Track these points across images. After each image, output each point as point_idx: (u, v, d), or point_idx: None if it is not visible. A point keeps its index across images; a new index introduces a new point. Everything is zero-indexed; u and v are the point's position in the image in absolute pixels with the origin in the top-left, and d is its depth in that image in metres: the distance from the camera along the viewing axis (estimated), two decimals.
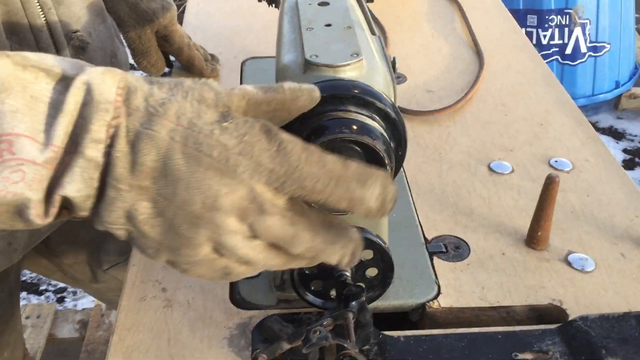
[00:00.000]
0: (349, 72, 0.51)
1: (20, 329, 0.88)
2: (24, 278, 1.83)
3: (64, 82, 0.38)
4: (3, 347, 0.81)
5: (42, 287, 1.97)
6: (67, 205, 0.39)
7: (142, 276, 0.64)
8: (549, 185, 0.64)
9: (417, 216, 0.71)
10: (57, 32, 0.71)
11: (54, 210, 0.38)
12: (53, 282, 1.97)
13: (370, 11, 1.12)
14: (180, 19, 1.12)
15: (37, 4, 0.68)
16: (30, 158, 0.36)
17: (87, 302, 1.88)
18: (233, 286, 0.63)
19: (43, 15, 0.69)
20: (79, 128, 0.37)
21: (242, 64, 1.01)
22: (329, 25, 0.56)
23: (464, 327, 0.60)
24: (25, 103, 0.37)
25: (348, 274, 0.56)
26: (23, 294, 1.81)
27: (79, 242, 0.91)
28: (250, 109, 0.42)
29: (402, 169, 0.78)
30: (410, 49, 1.06)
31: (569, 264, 0.65)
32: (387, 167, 0.49)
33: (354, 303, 0.53)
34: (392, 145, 0.51)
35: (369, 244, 0.55)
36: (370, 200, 0.42)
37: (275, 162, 0.39)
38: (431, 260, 0.66)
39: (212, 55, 0.99)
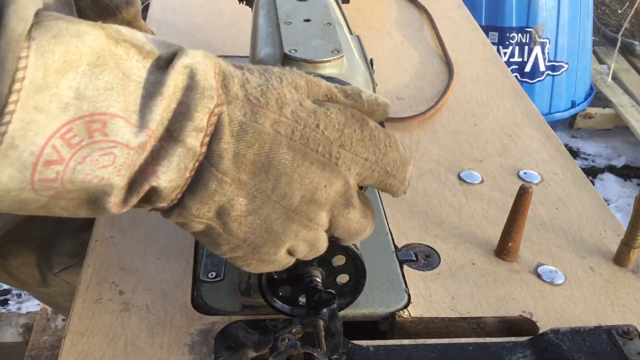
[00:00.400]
0: (329, 69, 0.49)
1: None
2: None
3: (156, 62, 0.35)
4: None
5: None
6: (150, 194, 0.36)
7: (98, 277, 0.60)
8: (522, 196, 0.63)
9: (388, 224, 0.70)
10: None
11: (134, 200, 0.35)
12: None
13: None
14: (145, 14, 1.09)
15: None
16: (125, 141, 0.33)
17: (31, 305, 1.81)
18: (195, 290, 0.60)
19: None
20: (179, 114, 0.35)
21: None
22: (308, 20, 0.54)
23: (434, 337, 0.59)
24: (119, 81, 0.34)
25: (319, 279, 0.54)
26: None
27: (28, 241, 0.87)
28: None
29: None
30: (380, 54, 1.05)
31: (539, 276, 0.64)
32: None
33: (324, 310, 0.51)
34: None
35: (342, 249, 0.53)
36: (407, 180, 0.44)
37: (369, 151, 0.40)
38: (401, 268, 0.64)
39: None
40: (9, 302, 1.86)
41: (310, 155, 0.38)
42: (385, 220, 0.70)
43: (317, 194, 0.39)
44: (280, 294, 0.55)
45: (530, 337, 0.57)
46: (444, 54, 1.05)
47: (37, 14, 0.33)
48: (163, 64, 0.36)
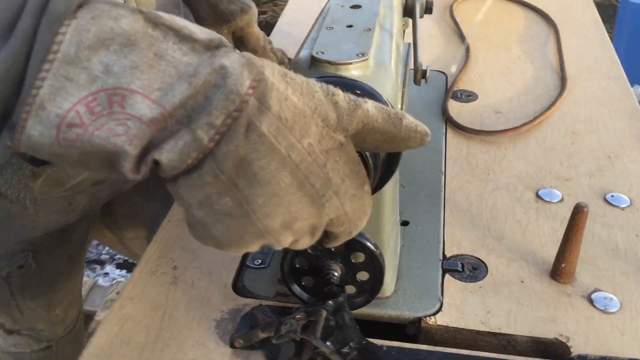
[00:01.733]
0: (353, 71, 0.51)
1: (78, 292, 0.94)
2: (121, 258, 1.95)
3: (192, 45, 0.38)
4: (55, 304, 0.87)
5: None
6: (154, 166, 0.39)
7: (160, 253, 0.67)
8: (576, 215, 0.60)
9: (443, 233, 0.69)
10: None
11: (145, 169, 0.39)
12: None
13: (457, 24, 1.11)
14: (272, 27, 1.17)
15: None
16: (139, 115, 0.36)
17: None
18: (238, 274, 0.65)
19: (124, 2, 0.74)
20: (199, 105, 0.37)
21: None
22: (350, 26, 0.57)
23: (461, 349, 0.57)
24: (147, 61, 0.37)
25: (337, 274, 0.56)
26: (118, 272, 1.93)
27: (140, 217, 0.97)
28: (363, 133, 0.42)
29: (442, 185, 0.76)
30: (491, 68, 1.03)
31: (591, 301, 0.60)
32: (371, 168, 0.48)
33: (330, 302, 0.53)
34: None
35: (360, 246, 0.54)
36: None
37: (352, 208, 0.42)
38: (443, 277, 0.64)
39: (290, 59, 1.02)
40: None
41: (306, 187, 0.40)
42: (442, 229, 0.70)
43: (295, 224, 0.41)
44: (304, 283, 0.58)
45: None
46: (560, 70, 1.00)
47: None
48: (199, 48, 0.38)
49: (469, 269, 0.65)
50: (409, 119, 0.43)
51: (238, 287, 0.63)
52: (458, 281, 0.63)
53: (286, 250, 0.56)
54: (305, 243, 0.44)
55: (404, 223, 0.71)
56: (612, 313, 0.59)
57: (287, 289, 0.58)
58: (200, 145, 0.38)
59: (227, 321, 0.59)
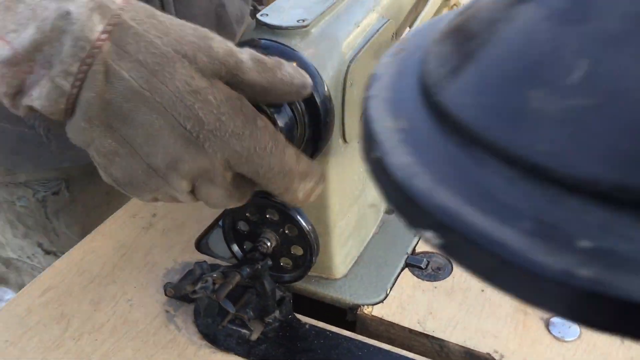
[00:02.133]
0: (291, 38, 0.50)
1: None
2: None
3: None
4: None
5: None
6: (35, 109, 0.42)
7: None
8: None
9: None
10: None
11: (22, 111, 0.41)
12: None
13: None
14: None
15: None
16: None
17: None
18: (207, 231, 0.66)
19: None
20: (56, 51, 0.39)
21: None
22: None
23: (395, 346, 0.55)
24: (4, 2, 0.38)
25: (269, 243, 0.55)
26: None
27: None
28: (234, 83, 0.41)
29: None
30: None
31: (547, 325, 0.55)
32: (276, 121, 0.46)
33: (246, 268, 0.53)
34: (306, 129, 0.48)
35: (290, 219, 0.54)
36: (299, 193, 0.43)
37: (242, 146, 0.40)
38: (401, 270, 0.61)
39: None
40: None
41: (177, 129, 0.39)
42: None
43: (179, 165, 0.40)
44: (245, 247, 0.58)
45: None
46: None
47: None
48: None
49: (433, 268, 0.62)
50: (285, 71, 0.41)
51: (201, 244, 0.65)
52: (415, 277, 0.61)
53: (229, 211, 0.57)
54: (215, 193, 0.42)
55: (389, 212, 0.68)
56: (565, 341, 0.54)
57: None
58: (63, 92, 0.39)
59: (175, 272, 0.61)
